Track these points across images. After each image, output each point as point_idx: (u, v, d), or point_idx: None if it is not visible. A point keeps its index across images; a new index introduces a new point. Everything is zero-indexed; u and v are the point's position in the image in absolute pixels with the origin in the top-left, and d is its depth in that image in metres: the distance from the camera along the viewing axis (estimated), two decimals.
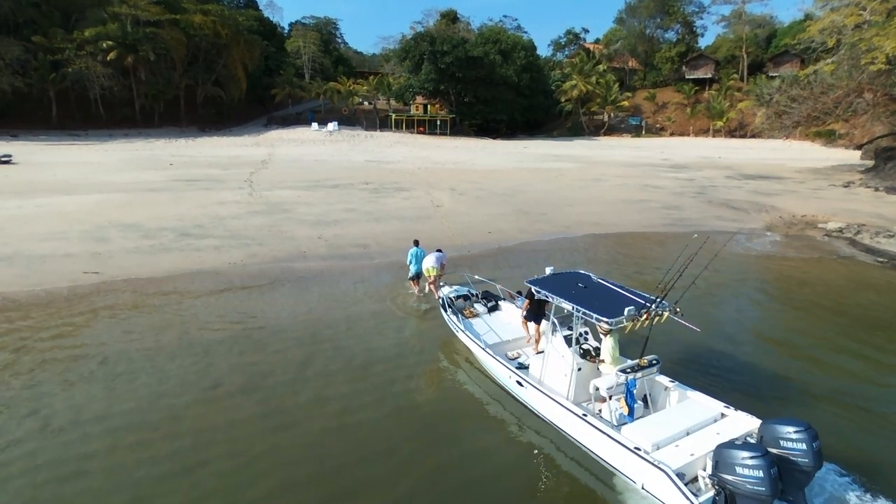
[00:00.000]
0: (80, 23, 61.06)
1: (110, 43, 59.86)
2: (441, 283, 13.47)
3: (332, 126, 73.78)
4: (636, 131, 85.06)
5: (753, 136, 76.00)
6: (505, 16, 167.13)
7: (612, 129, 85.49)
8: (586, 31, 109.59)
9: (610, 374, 8.55)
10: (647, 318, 7.86)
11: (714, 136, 79.34)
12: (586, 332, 9.14)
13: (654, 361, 8.45)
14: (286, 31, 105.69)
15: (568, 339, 9.02)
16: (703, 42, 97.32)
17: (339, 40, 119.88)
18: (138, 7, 61.19)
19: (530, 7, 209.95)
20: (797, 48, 41.59)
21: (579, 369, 8.69)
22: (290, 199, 28.01)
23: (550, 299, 8.90)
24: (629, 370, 8.15)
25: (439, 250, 14.55)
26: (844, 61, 32.86)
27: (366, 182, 34.34)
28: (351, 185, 33.31)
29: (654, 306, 7.93)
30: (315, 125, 75.11)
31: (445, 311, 12.09)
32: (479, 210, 27.12)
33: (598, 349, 9.09)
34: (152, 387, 10.04)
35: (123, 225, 21.60)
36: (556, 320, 9.01)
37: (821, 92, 33.86)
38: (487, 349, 10.26)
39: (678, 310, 8.05)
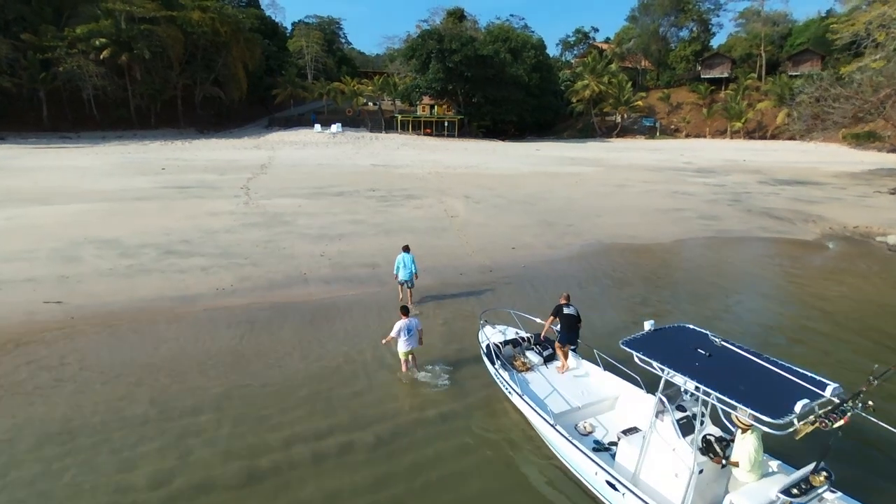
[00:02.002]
0: (71, 19, 58.46)
1: (103, 40, 57.24)
2: (482, 322, 10.73)
3: (335, 128, 71.15)
4: (650, 133, 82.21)
5: (773, 138, 73.30)
6: (512, 15, 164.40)
7: (625, 131, 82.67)
8: (596, 30, 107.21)
9: (749, 483, 6.02)
10: (844, 422, 5.13)
11: (732, 138, 76.44)
12: (703, 415, 6.51)
13: (827, 475, 5.73)
14: (288, 31, 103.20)
15: (682, 425, 6.42)
16: (715, 42, 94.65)
17: (343, 40, 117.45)
18: (133, 3, 58.54)
19: (537, 6, 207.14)
20: (837, 43, 38.68)
21: (700, 471, 6.09)
22: (291, 208, 25.37)
23: (662, 373, 6.29)
24: (796, 490, 5.45)
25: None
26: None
27: (373, 189, 31.69)
28: (357, 191, 30.66)
29: (850, 405, 5.21)
30: (318, 127, 72.47)
31: (493, 363, 9.41)
32: (498, 221, 24.49)
33: (722, 440, 6.42)
34: (104, 486, 7.32)
35: (101, 241, 19.02)
36: (664, 398, 6.47)
37: (870, 89, 31.05)
38: (558, 427, 7.60)
39: (871, 403, 5.31)
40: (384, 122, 77.31)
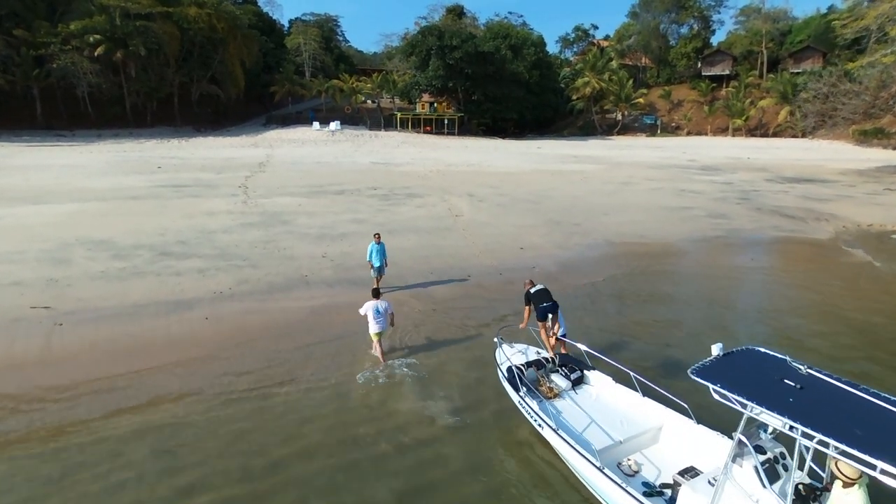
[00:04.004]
0: (65, 15, 57.26)
1: (98, 37, 56.16)
2: (498, 340, 9.63)
3: (334, 125, 70.31)
4: (651, 130, 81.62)
5: (775, 135, 72.74)
6: (510, 12, 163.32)
7: (625, 128, 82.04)
8: (595, 27, 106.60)
9: None
10: None
11: (734, 136, 75.84)
12: (783, 455, 5.65)
13: None
14: (286, 28, 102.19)
15: (767, 472, 5.45)
16: (716, 39, 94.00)
17: (340, 38, 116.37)
18: None
19: (536, 3, 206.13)
20: (844, 38, 38.06)
21: None
22: (290, 207, 24.65)
23: (745, 410, 5.29)
24: None
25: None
26: None
27: (374, 187, 30.97)
28: (357, 190, 29.94)
29: None
30: (316, 124, 71.60)
31: (517, 389, 8.12)
32: (503, 220, 23.84)
33: (814, 489, 5.58)
34: None
35: (93, 242, 18.26)
36: (744, 438, 5.48)
37: (881, 85, 30.39)
38: (606, 470, 6.45)
39: None
40: (383, 120, 76.49)
